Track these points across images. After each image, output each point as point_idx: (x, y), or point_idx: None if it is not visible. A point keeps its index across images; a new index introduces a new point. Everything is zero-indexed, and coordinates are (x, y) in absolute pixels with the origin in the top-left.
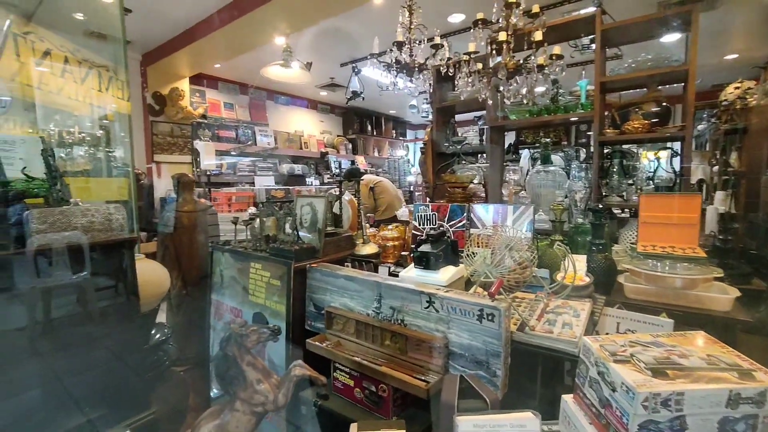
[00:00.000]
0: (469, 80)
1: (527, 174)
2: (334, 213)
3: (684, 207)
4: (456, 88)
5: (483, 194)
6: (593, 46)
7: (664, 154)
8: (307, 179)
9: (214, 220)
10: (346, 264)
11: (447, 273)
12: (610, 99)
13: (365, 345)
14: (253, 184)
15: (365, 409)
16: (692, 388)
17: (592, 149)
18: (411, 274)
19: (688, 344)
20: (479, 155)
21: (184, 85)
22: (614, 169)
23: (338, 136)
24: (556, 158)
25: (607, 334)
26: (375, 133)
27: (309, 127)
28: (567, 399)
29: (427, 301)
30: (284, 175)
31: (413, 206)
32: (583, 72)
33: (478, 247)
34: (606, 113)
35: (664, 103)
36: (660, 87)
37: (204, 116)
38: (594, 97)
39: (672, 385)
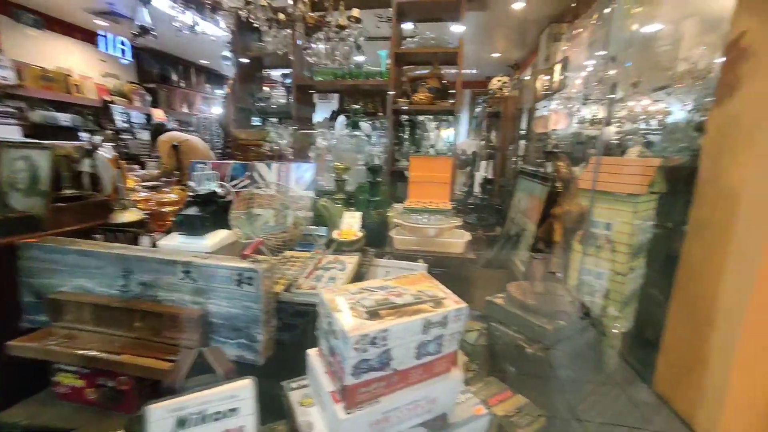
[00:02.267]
0: (272, 31)
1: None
2: (88, 173)
3: (440, 167)
4: (262, 39)
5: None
6: None
7: (447, 128)
8: (80, 133)
9: None
10: (95, 236)
11: (215, 238)
12: (411, 75)
13: (108, 332)
14: None
15: (100, 411)
16: (394, 323)
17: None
18: (173, 243)
19: (407, 284)
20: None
21: None
22: (405, 137)
23: (130, 82)
24: (367, 126)
25: None
26: (184, 84)
27: (81, 65)
28: (311, 352)
29: (183, 271)
30: (40, 127)
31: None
32: None
33: (252, 207)
34: (403, 86)
35: (444, 81)
36: (442, 67)
37: None
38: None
39: (380, 324)
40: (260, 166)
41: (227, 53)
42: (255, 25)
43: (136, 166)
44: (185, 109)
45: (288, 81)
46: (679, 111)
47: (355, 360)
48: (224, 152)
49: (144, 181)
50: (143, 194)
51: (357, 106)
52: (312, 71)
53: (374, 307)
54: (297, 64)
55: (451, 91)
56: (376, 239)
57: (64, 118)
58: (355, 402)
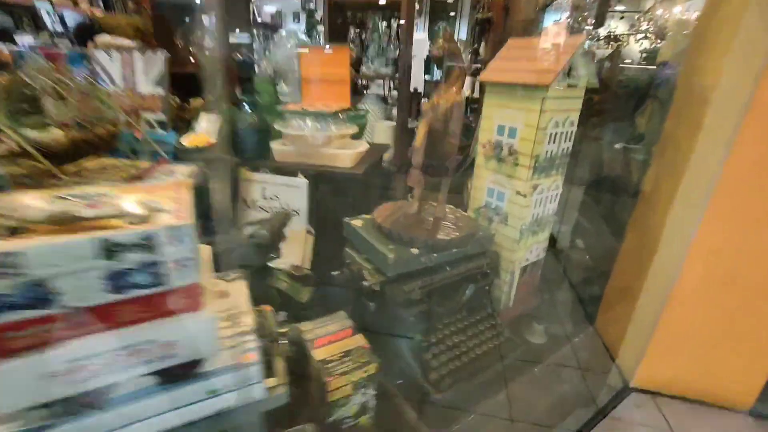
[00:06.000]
0: None
1: None
2: None
3: (335, 62)
4: None
5: None
6: None
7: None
8: (17, 37)
9: None
10: None
11: None
12: None
13: None
14: None
15: None
16: (32, 244)
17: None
18: None
19: (138, 192)
20: None
21: None
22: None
23: None
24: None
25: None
26: None
27: None
28: None
29: None
30: None
31: None
32: None
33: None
34: None
35: None
36: None
37: None
38: None
39: (7, 245)
40: (102, 55)
41: None
42: None
43: None
44: None
45: None
46: None
47: None
48: None
49: None
50: None
51: (311, 8)
52: None
53: (30, 220)
54: None
55: None
56: (253, 149)
57: None
58: (2, 350)
